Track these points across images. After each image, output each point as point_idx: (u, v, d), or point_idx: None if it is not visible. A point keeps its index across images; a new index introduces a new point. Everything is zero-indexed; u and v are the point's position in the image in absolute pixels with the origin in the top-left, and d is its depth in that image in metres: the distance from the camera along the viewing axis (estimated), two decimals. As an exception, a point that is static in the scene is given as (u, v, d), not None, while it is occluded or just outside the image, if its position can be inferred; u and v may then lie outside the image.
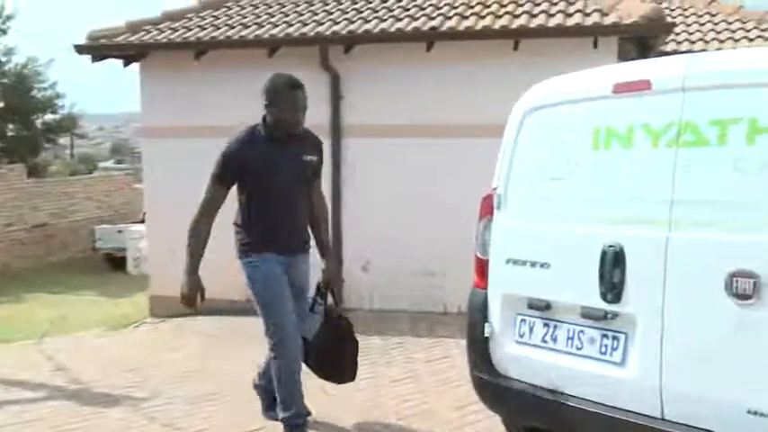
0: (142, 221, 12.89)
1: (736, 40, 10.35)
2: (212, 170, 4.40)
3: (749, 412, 2.96)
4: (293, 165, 4.46)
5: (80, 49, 9.75)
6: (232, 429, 4.84)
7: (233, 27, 9.50)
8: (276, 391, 4.41)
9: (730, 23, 10.95)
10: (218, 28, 9.54)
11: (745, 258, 3.02)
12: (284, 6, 10.05)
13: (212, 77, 9.43)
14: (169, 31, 9.65)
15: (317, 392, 4.76)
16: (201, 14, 10.09)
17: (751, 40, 10.29)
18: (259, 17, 9.72)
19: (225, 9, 10.21)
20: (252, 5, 10.23)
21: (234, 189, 4.51)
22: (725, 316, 3.05)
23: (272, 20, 9.55)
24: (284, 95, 4.40)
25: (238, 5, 10.29)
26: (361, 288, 8.70)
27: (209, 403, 5.41)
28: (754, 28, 10.60)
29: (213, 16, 9.99)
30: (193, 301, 4.50)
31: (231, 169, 4.38)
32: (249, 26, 9.45)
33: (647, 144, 3.41)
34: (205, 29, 9.59)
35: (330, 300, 4.72)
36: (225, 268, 8.98)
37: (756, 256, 3.00)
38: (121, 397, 5.68)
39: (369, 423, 4.85)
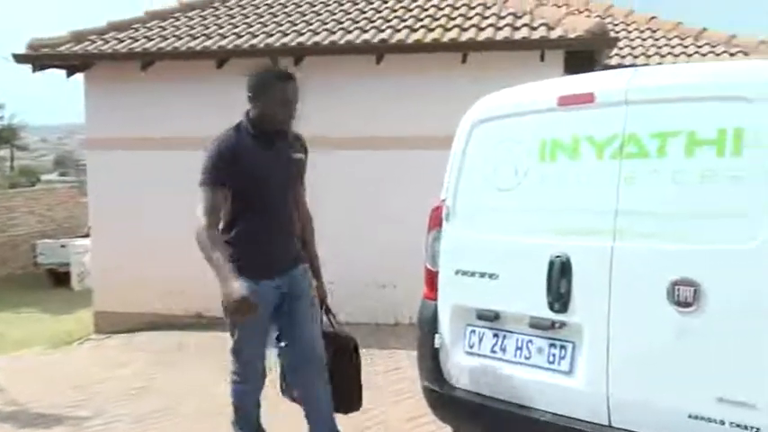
0: (87, 235, 12.63)
1: (676, 55, 10.63)
2: (201, 176, 3.85)
3: (690, 417, 3.04)
4: (284, 166, 4.01)
5: (19, 59, 9.52)
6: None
7: (181, 38, 9.40)
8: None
9: (670, 39, 11.25)
10: (166, 39, 9.43)
11: (686, 267, 3.10)
12: (233, 18, 10.00)
13: (159, 89, 9.31)
14: (115, 41, 9.51)
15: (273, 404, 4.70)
16: (148, 25, 9.97)
17: (689, 55, 10.58)
18: (207, 28, 9.64)
19: (172, 20, 10.10)
20: (200, 16, 10.15)
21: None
22: (667, 323, 3.12)
23: (221, 31, 9.48)
24: (272, 87, 3.92)
25: (186, 16, 10.19)
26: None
27: (156, 421, 5.31)
28: (692, 44, 10.93)
29: (160, 27, 9.87)
30: (248, 304, 3.53)
31: (224, 165, 3.82)
32: (197, 37, 9.36)
33: (591, 156, 3.47)
34: (152, 39, 9.47)
35: (325, 317, 4.23)
36: (171, 284, 8.99)
37: (696, 264, 3.08)
38: (63, 417, 5.53)
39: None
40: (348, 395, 4.06)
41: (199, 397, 5.72)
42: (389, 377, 6.04)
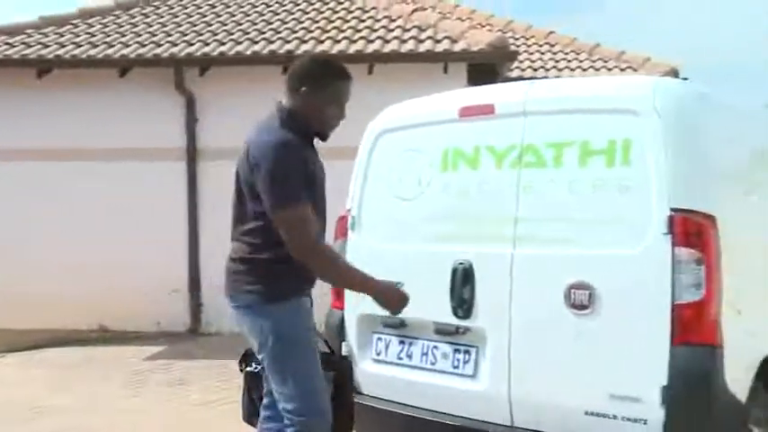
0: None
1: (572, 69, 11.02)
2: (279, 192, 2.94)
3: (586, 413, 3.17)
4: (324, 176, 3.29)
5: None
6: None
7: (80, 45, 9.13)
8: None
9: (566, 54, 11.65)
10: (63, 46, 9.14)
11: (582, 272, 3.23)
12: (136, 26, 9.76)
13: (57, 98, 9.02)
14: (5, 47, 9.13)
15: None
16: (44, 31, 9.61)
17: (584, 69, 11.00)
18: (109, 36, 9.40)
19: (70, 26, 9.77)
20: (101, 24, 9.87)
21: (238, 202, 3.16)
22: (564, 326, 3.25)
23: (123, 39, 9.25)
24: (336, 82, 3.21)
25: (86, 23, 9.88)
26: (223, 311, 8.46)
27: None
28: (587, 59, 11.37)
29: (57, 33, 9.54)
30: (403, 297, 3.19)
31: (301, 175, 3.02)
32: (98, 45, 9.11)
33: (491, 165, 3.58)
34: (48, 46, 9.15)
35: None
36: (77, 298, 8.68)
37: (591, 269, 3.22)
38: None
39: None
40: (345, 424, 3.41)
41: (108, 413, 5.57)
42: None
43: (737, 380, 3.16)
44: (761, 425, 3.46)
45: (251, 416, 3.49)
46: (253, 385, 3.44)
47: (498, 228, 3.50)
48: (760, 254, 3.63)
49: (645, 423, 3.04)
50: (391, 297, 3.19)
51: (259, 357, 3.13)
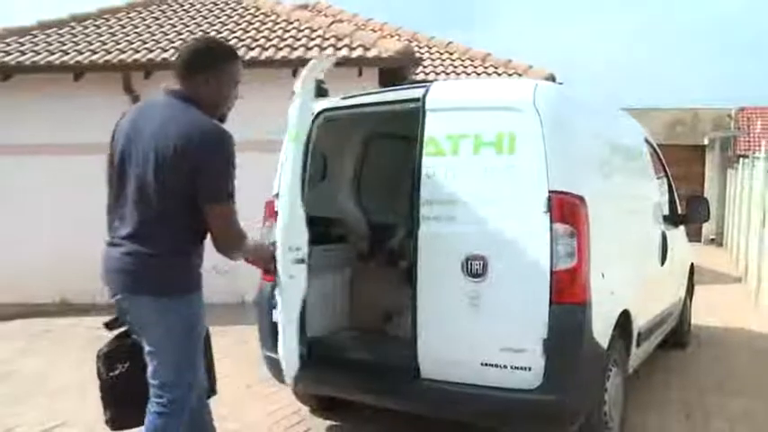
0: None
1: (467, 74, 11.09)
2: (221, 182, 2.55)
3: (482, 365, 3.18)
4: None
5: None
6: (39, 426, 4.33)
7: (39, 53, 8.72)
8: None
9: (463, 61, 11.71)
10: (24, 54, 8.72)
11: (476, 245, 3.22)
12: (88, 36, 9.36)
13: (19, 100, 8.58)
14: (-28, 55, 8.67)
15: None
16: (6, 40, 9.15)
17: (478, 74, 11.08)
18: (64, 45, 8.99)
19: (30, 36, 9.32)
20: (57, 34, 9.42)
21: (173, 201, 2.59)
22: (462, 291, 3.24)
23: (78, 47, 8.86)
24: (233, 64, 2.77)
25: (44, 33, 9.42)
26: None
27: (22, 402, 4.86)
28: (480, 65, 11.45)
29: (18, 42, 9.09)
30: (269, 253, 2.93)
31: (234, 168, 2.64)
32: (55, 53, 8.71)
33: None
34: (10, 54, 8.72)
35: None
36: (38, 270, 8.33)
37: (484, 243, 3.21)
38: None
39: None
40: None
41: (64, 377, 5.32)
42: (237, 348, 5.88)
43: (601, 331, 3.24)
44: (617, 365, 3.60)
45: (122, 421, 2.82)
46: (120, 389, 2.79)
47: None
48: (618, 226, 3.72)
49: (529, 370, 3.08)
50: (262, 254, 2.92)
51: (146, 343, 2.66)
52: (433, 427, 3.84)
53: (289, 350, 3.10)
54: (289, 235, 3.03)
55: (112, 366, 2.81)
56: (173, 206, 2.55)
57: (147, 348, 2.68)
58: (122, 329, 2.82)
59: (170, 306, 2.60)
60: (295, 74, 8.25)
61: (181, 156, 2.49)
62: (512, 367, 3.11)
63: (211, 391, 3.01)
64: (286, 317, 3.06)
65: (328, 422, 4.25)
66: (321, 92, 3.47)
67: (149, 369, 2.68)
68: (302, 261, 3.04)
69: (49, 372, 5.54)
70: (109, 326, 2.83)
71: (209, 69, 2.67)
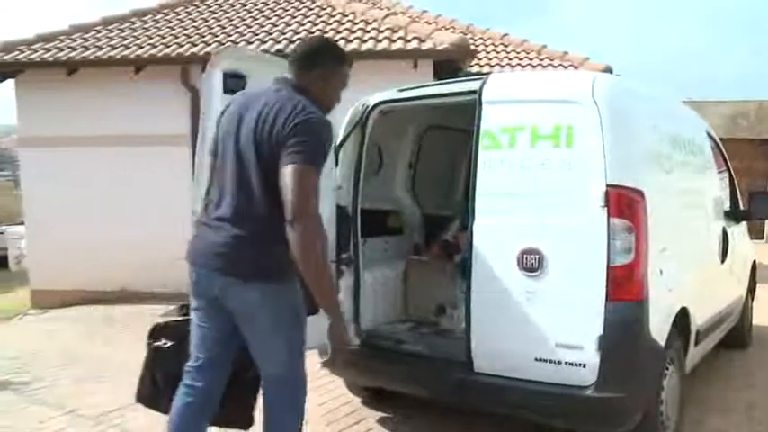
0: (22, 223, 11.90)
1: (523, 66, 10.96)
2: (309, 153, 2.46)
3: (536, 359, 3.15)
4: None
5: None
6: (114, 404, 4.51)
7: (102, 48, 8.99)
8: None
9: (518, 53, 11.58)
10: (88, 49, 9.00)
11: (532, 239, 3.19)
12: (148, 31, 9.60)
13: (84, 93, 8.88)
14: (42, 51, 9.02)
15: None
16: (72, 36, 9.47)
17: (533, 67, 10.93)
18: (126, 39, 9.24)
19: (94, 32, 9.62)
20: (119, 29, 9.69)
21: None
22: (517, 286, 3.21)
23: (138, 42, 9.10)
24: (345, 69, 2.83)
25: (107, 29, 9.72)
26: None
27: (91, 383, 5.06)
28: (535, 58, 11.30)
29: (84, 38, 9.39)
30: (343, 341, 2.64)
31: (327, 154, 2.63)
32: (117, 47, 8.97)
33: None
34: (76, 49, 9.02)
35: None
36: (97, 263, 8.62)
37: (539, 236, 3.18)
38: (7, 382, 5.17)
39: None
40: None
41: (123, 361, 5.51)
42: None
43: (658, 328, 3.18)
44: (674, 363, 3.51)
45: (151, 397, 2.96)
46: (159, 362, 2.93)
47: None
48: (677, 222, 3.64)
49: (584, 366, 3.04)
50: (338, 332, 2.59)
51: (251, 331, 2.65)
52: (479, 420, 3.84)
53: None
54: None
55: (158, 338, 2.93)
56: (274, 190, 2.47)
57: (251, 338, 2.66)
58: (185, 318, 2.88)
59: (279, 291, 2.59)
60: (350, 66, 8.32)
61: (283, 138, 2.47)
62: (566, 363, 3.07)
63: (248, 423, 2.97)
64: None
65: (380, 413, 4.29)
66: (234, 85, 3.20)
67: (257, 363, 2.68)
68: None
69: (112, 356, 5.75)
70: (179, 309, 2.93)
71: (325, 67, 2.73)
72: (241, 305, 2.61)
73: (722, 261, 4.61)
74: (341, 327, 2.60)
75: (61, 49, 9.04)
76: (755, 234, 8.45)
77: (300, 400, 2.73)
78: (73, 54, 8.88)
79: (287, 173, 2.42)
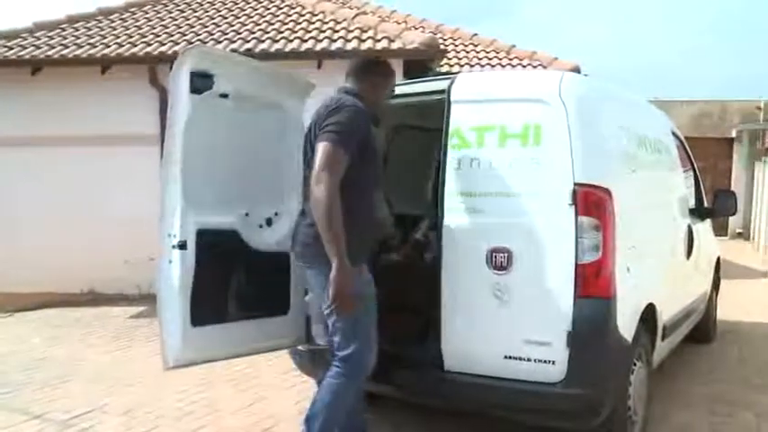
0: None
1: (492, 66, 11.02)
2: (336, 131, 2.89)
3: (505, 357, 3.17)
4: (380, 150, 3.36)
5: None
6: (83, 408, 4.45)
7: (67, 47, 8.82)
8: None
9: (487, 53, 11.64)
10: (53, 47, 8.82)
11: (501, 237, 3.21)
12: (115, 30, 9.45)
13: (49, 92, 8.72)
14: (4, 49, 8.80)
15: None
16: (36, 35, 9.28)
17: (502, 66, 10.99)
18: (92, 38, 9.08)
19: (59, 30, 9.43)
20: (85, 28, 9.53)
21: None
22: (488, 284, 3.23)
23: (105, 41, 8.95)
24: (392, 81, 3.37)
25: (72, 27, 9.54)
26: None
27: (59, 386, 4.96)
28: (504, 57, 11.37)
29: (48, 36, 9.21)
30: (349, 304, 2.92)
31: (357, 134, 2.96)
32: (83, 46, 8.80)
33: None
34: (40, 48, 8.84)
35: None
36: (64, 259, 8.46)
37: (509, 235, 3.20)
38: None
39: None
40: None
41: (92, 364, 5.43)
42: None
43: (625, 325, 3.21)
44: (641, 359, 3.56)
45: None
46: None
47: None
48: (644, 219, 3.68)
49: (553, 363, 3.07)
50: (341, 279, 2.82)
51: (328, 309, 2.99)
52: (460, 417, 3.86)
53: (168, 332, 3.21)
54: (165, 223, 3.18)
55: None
56: None
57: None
58: None
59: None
60: (320, 66, 8.29)
61: (322, 122, 2.97)
62: (535, 360, 3.10)
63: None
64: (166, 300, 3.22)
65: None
66: (201, 84, 3.26)
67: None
68: (182, 246, 3.18)
69: (80, 359, 5.65)
70: None
71: (377, 77, 3.27)
72: (310, 286, 3.29)
73: (688, 258, 4.69)
74: (345, 274, 2.83)
75: (24, 47, 8.86)
76: (719, 231, 8.62)
77: (347, 382, 3.11)
78: (37, 53, 8.70)
79: (317, 149, 2.89)
